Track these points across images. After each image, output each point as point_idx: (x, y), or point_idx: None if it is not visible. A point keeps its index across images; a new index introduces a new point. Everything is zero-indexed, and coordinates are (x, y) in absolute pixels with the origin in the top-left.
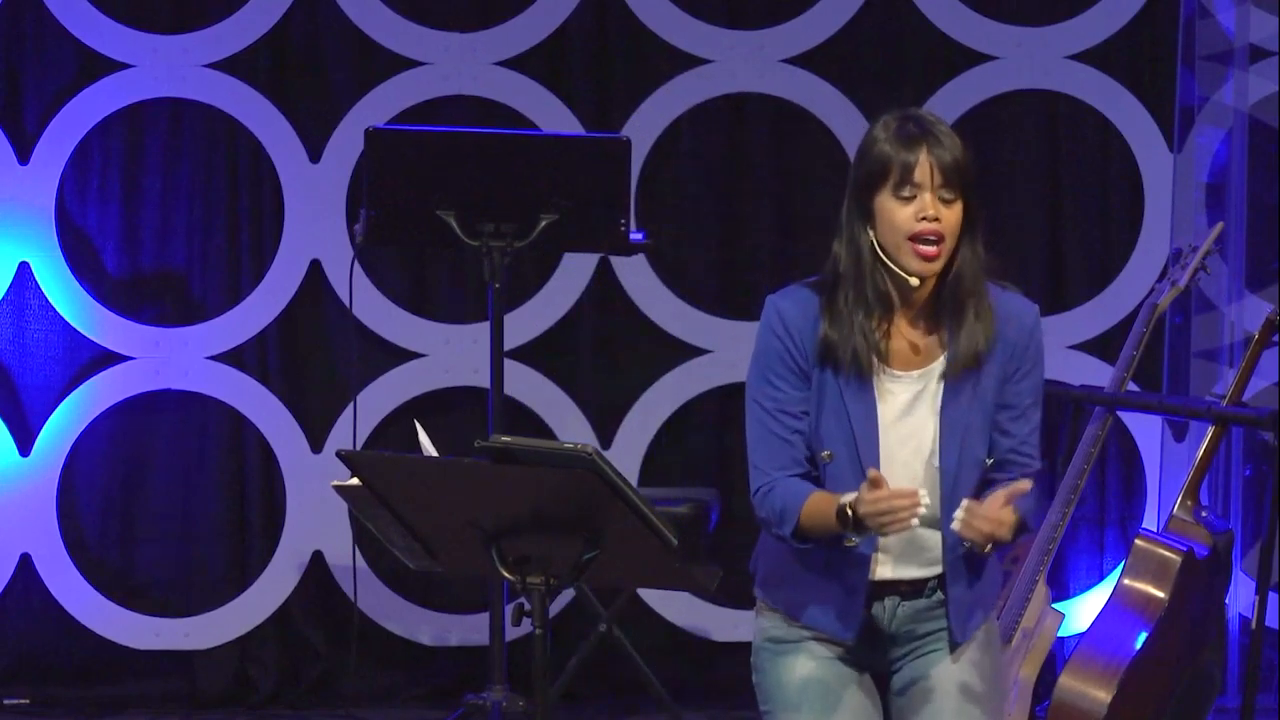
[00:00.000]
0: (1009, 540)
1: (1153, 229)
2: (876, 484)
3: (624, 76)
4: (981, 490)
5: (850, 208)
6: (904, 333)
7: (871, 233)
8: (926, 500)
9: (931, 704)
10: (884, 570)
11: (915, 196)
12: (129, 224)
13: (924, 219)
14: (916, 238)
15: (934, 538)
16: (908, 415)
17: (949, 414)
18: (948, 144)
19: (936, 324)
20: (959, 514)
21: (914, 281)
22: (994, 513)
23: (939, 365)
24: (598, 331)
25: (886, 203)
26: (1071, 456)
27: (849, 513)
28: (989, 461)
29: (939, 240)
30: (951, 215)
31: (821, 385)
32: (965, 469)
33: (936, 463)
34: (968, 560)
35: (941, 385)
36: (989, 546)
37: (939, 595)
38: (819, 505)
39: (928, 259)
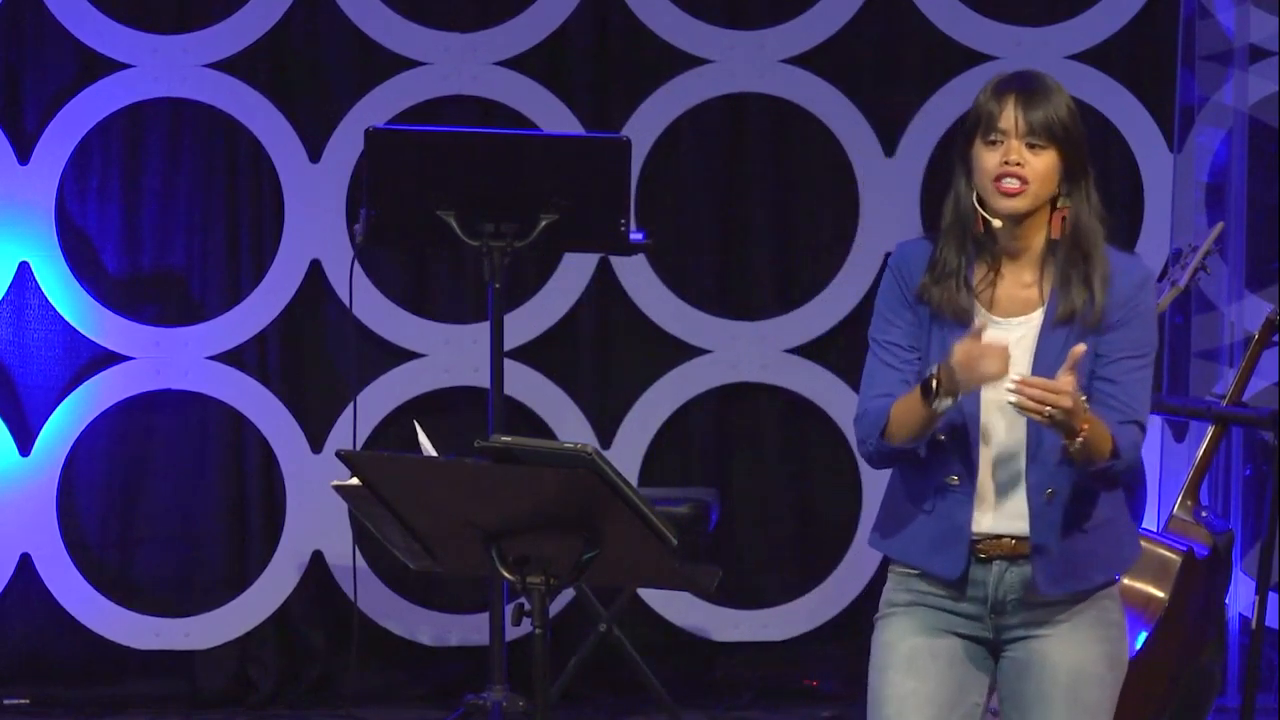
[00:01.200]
0: (1079, 430)
1: (1153, 229)
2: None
3: (624, 76)
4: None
5: (956, 162)
6: (1010, 281)
7: (968, 182)
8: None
9: (1043, 690)
10: (986, 521)
11: (1001, 142)
12: (129, 224)
13: (1006, 163)
14: (999, 179)
15: (1019, 494)
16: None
17: (1042, 362)
18: (1039, 95)
19: (1045, 275)
20: (1009, 386)
21: (996, 222)
22: (1047, 381)
23: (1039, 314)
24: (598, 331)
25: (978, 150)
26: None
27: (933, 382)
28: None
29: (1021, 182)
30: (1039, 162)
31: (929, 329)
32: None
33: None
34: (1065, 510)
35: (1039, 334)
36: (1048, 418)
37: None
38: (903, 400)
39: (1008, 194)
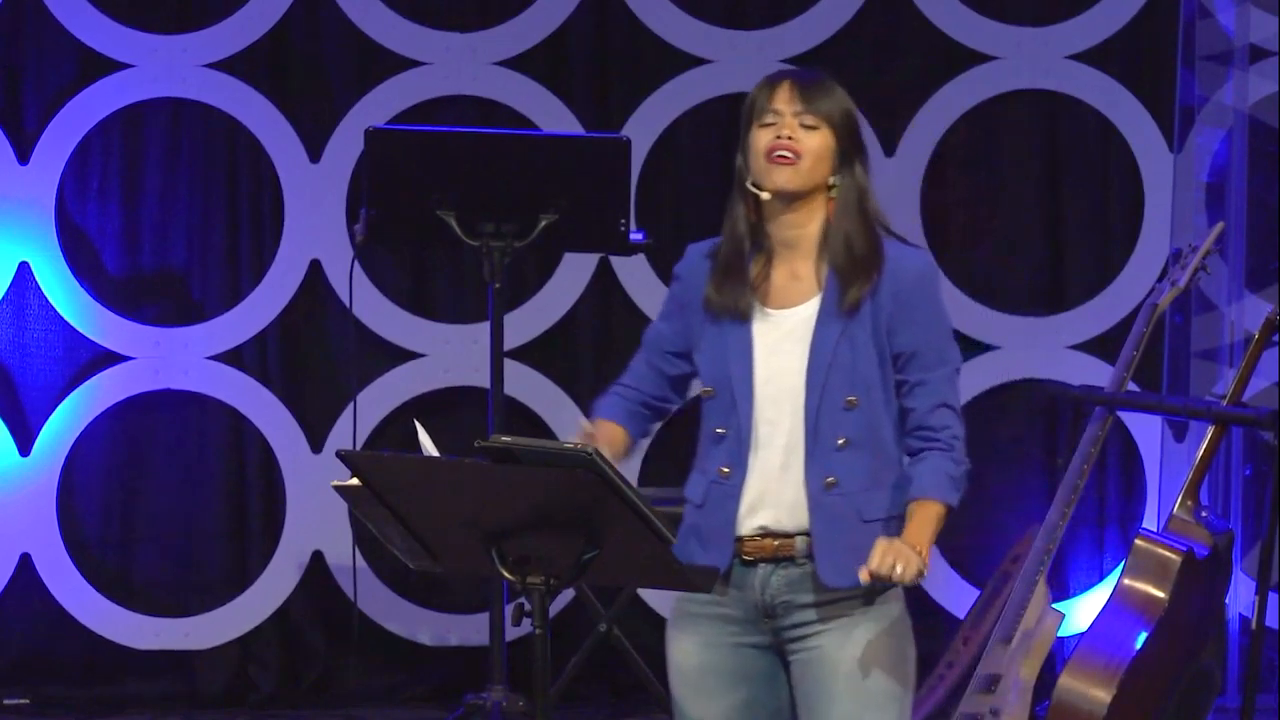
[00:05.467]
0: (925, 540)
1: (1153, 229)
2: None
3: (624, 76)
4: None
5: (738, 159)
6: (785, 271)
7: (747, 171)
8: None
9: (822, 685)
10: (756, 517)
11: (776, 122)
12: (129, 224)
13: (779, 137)
14: (771, 151)
15: (796, 485)
16: (779, 352)
17: (816, 352)
18: (814, 82)
19: (819, 264)
20: (863, 580)
21: (765, 195)
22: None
23: (814, 303)
24: (598, 331)
25: (754, 134)
26: (1071, 456)
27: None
28: (851, 400)
29: (794, 155)
30: (812, 140)
31: (706, 324)
32: (826, 408)
33: (801, 400)
34: (846, 500)
35: (814, 323)
36: (899, 572)
37: (810, 566)
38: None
39: (781, 163)
